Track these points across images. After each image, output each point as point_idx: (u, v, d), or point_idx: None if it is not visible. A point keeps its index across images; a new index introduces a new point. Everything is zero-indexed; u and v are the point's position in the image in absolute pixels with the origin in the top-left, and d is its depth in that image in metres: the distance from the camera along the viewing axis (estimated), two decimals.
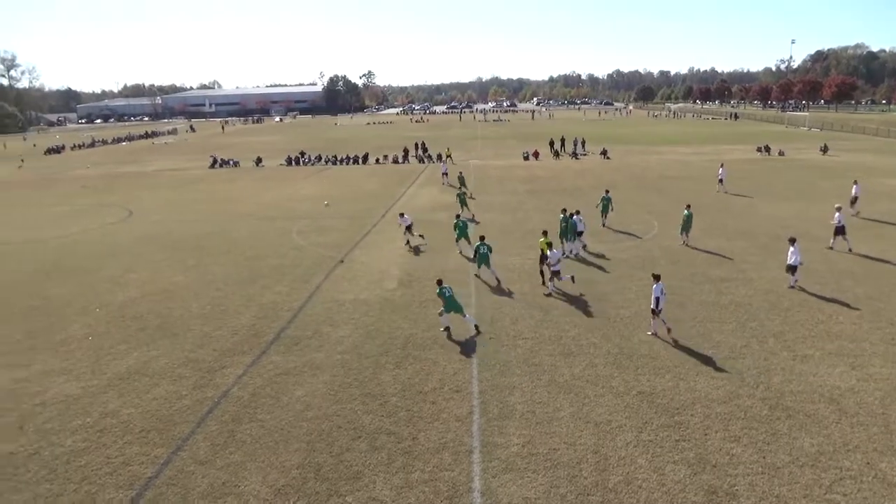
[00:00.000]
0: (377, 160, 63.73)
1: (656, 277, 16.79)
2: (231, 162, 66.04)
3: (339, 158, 64.82)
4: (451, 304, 17.35)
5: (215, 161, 65.81)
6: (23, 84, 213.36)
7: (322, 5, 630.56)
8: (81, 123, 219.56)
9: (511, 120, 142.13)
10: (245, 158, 67.99)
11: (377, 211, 36.05)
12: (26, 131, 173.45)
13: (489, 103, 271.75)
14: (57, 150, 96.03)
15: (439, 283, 17.94)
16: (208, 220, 35.28)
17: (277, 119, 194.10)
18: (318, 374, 15.22)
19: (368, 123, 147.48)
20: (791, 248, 19.96)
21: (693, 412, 12.80)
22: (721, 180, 39.75)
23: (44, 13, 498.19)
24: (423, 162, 62.65)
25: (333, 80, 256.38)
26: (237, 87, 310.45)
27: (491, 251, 22.04)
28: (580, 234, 25.24)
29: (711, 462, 11.12)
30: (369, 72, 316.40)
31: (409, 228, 27.71)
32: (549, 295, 20.29)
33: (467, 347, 16.44)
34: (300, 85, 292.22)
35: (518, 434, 12.22)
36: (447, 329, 17.54)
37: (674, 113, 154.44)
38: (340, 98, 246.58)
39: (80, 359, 16.68)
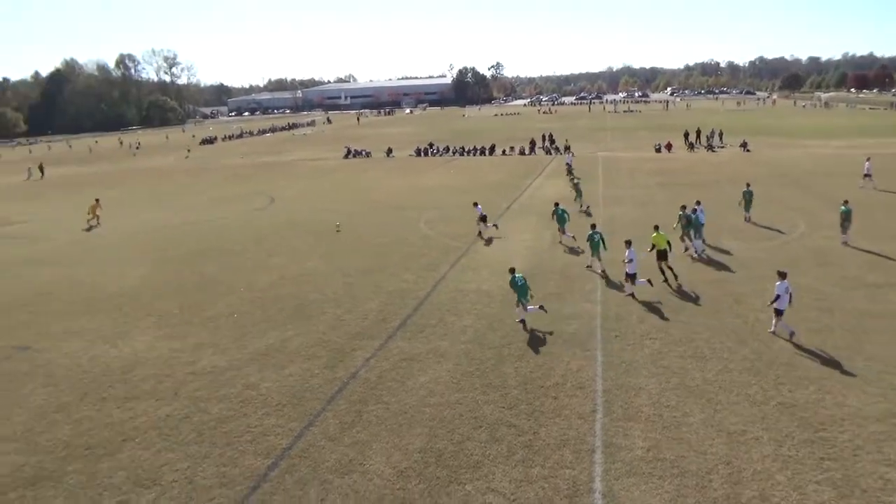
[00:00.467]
0: (503, 151, 63.77)
1: (782, 275, 15.88)
2: (363, 152, 68.70)
3: (465, 149, 65.50)
4: (522, 293, 17.33)
5: (349, 151, 68.76)
6: (182, 80, 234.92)
7: None
8: (231, 116, 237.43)
9: (642, 111, 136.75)
10: (376, 149, 70.40)
11: (502, 203, 36.08)
12: (184, 123, 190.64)
13: (619, 93, 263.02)
14: (210, 140, 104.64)
15: (512, 271, 17.92)
16: (341, 209, 36.92)
17: (408, 111, 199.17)
18: (441, 361, 15.53)
19: (496, 115, 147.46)
20: None
21: (841, 429, 11.76)
22: (867, 175, 35.72)
23: (200, 15, 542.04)
24: (550, 153, 61.89)
25: (462, 72, 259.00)
26: (371, 81, 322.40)
27: (604, 241, 21.57)
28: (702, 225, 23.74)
29: (861, 486, 10.17)
30: (498, 63, 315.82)
31: (483, 219, 27.90)
32: (630, 295, 19.42)
33: (591, 344, 16.09)
34: (430, 77, 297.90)
35: (643, 437, 11.81)
36: (522, 322, 17.58)
37: (824, 102, 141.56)
38: (469, 90, 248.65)
39: (225, 334, 18.10)
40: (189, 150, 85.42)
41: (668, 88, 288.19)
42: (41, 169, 66.54)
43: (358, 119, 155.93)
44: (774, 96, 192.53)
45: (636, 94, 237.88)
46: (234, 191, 47.24)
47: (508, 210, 34.04)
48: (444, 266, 23.78)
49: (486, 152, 63.99)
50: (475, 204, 28.92)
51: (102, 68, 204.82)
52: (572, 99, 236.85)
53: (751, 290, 19.36)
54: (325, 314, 19.32)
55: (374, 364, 15.58)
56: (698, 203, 24.28)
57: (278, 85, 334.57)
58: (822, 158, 49.96)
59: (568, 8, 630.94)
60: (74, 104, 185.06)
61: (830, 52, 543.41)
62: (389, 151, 67.49)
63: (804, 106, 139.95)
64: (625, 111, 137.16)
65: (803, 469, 10.64)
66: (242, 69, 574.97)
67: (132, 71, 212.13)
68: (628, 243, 19.38)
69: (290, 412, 13.44)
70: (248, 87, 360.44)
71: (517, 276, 17.65)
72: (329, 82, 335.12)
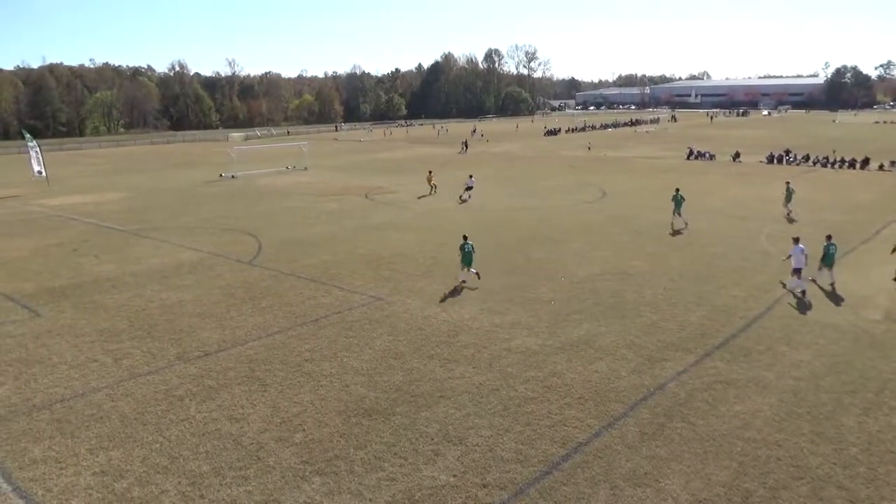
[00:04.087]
0: (881, 166, 53.90)
1: (795, 240, 20.27)
2: (707, 154, 64.72)
3: (830, 160, 57.10)
4: (467, 259, 21.51)
5: (691, 152, 65.48)
6: (538, 74, 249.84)
7: None
8: (577, 109, 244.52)
9: None
10: (722, 152, 65.63)
11: (869, 226, 30.64)
12: (534, 114, 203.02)
13: None
14: (554, 132, 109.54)
15: (465, 238, 21.87)
16: (672, 210, 35.31)
17: (765, 112, 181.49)
18: (763, 393, 13.92)
19: (876, 122, 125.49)
20: None
21: None
22: None
23: (559, 10, 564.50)
24: None
25: (840, 72, 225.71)
26: (726, 78, 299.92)
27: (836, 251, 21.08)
28: None
29: None
30: (888, 62, 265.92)
31: (469, 189, 36.28)
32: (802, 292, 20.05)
33: None
34: (797, 76, 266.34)
35: None
36: (465, 281, 21.80)
37: None
38: (844, 91, 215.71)
39: (541, 318, 18.83)
40: (590, 146, 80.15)
41: None
42: (465, 145, 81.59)
43: (711, 118, 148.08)
44: None
45: None
46: (569, 181, 48.60)
47: (877, 235, 28.74)
48: (782, 288, 21.17)
49: (857, 165, 54.88)
50: (470, 176, 35.84)
51: (470, 61, 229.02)
52: None
53: None
54: (640, 316, 18.80)
55: (686, 380, 14.66)
56: None
57: (627, 80, 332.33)
58: None
59: None
60: (445, 93, 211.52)
61: None
62: (737, 155, 62.26)
63: None
64: None
65: None
66: (593, 64, 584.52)
67: (496, 64, 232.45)
68: (796, 240, 20.51)
69: (590, 408, 13.44)
70: (596, 81, 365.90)
71: (468, 243, 21.57)
72: (680, 79, 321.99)
